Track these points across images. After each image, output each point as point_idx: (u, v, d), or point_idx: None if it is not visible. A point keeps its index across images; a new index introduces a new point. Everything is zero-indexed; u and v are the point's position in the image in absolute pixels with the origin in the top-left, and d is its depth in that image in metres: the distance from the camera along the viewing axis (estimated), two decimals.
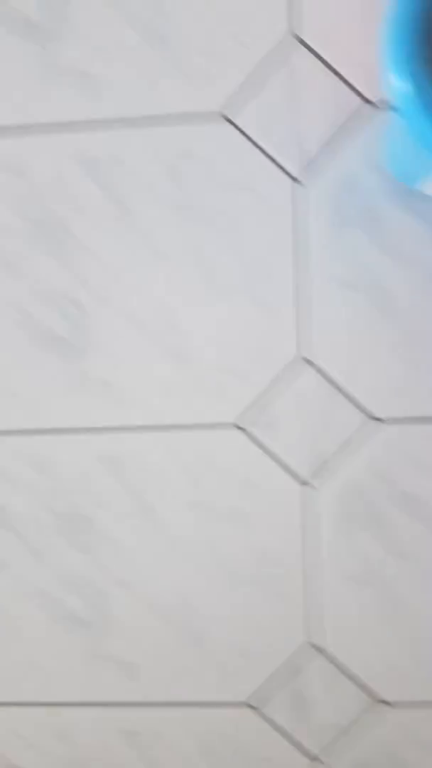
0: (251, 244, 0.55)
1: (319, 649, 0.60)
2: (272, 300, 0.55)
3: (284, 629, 0.60)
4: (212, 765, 0.63)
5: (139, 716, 0.62)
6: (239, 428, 0.57)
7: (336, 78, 0.53)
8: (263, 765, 0.62)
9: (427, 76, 0.34)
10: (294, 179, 0.54)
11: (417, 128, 0.35)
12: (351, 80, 0.53)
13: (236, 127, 0.54)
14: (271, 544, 0.59)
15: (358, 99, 0.53)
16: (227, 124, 0.54)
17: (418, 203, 0.53)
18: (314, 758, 0.62)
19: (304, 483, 0.57)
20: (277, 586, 0.59)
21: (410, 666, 0.59)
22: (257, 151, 0.54)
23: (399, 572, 0.58)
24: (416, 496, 0.56)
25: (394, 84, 0.35)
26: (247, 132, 0.54)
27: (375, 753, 0.61)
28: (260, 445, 0.57)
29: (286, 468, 0.57)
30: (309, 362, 0.56)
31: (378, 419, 0.56)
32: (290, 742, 0.61)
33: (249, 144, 0.54)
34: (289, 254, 0.55)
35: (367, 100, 0.53)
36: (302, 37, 0.53)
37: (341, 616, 0.59)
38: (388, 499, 0.57)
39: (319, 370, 0.56)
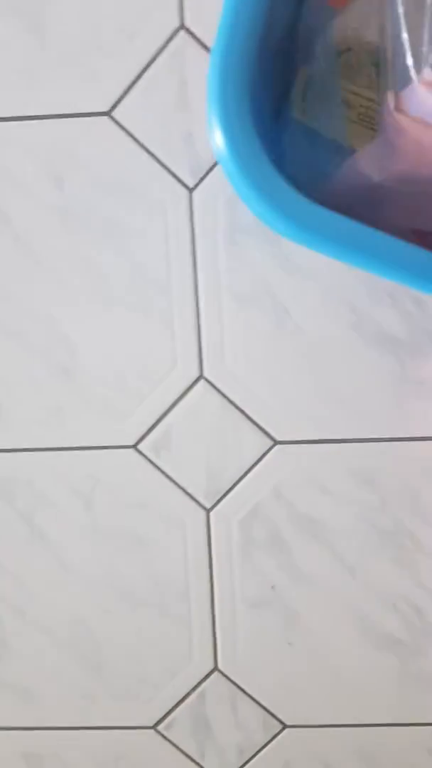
0: (143, 254, 0.51)
1: (222, 673, 0.58)
2: (168, 314, 0.51)
3: (185, 653, 0.58)
4: None
5: (39, 740, 0.60)
6: (136, 450, 0.54)
7: None
8: None
9: (245, 135, 0.29)
10: (186, 185, 0.50)
11: (233, 183, 0.30)
12: None
13: (123, 128, 0.49)
14: (171, 569, 0.56)
15: None
16: (113, 124, 0.49)
17: None
18: None
19: (202, 506, 0.55)
20: (177, 611, 0.57)
21: (308, 688, 0.58)
22: (146, 153, 0.49)
23: (299, 595, 0.56)
24: (315, 518, 0.54)
25: (212, 140, 0.30)
26: (135, 134, 0.49)
27: None
28: (158, 468, 0.54)
29: (185, 491, 0.54)
30: (208, 381, 0.52)
31: (278, 441, 0.53)
32: (195, 764, 0.60)
33: (137, 146, 0.49)
34: (187, 266, 0.50)
35: None
36: (194, 32, 0.48)
37: (243, 640, 0.57)
38: (289, 522, 0.54)
39: (219, 390, 0.52)
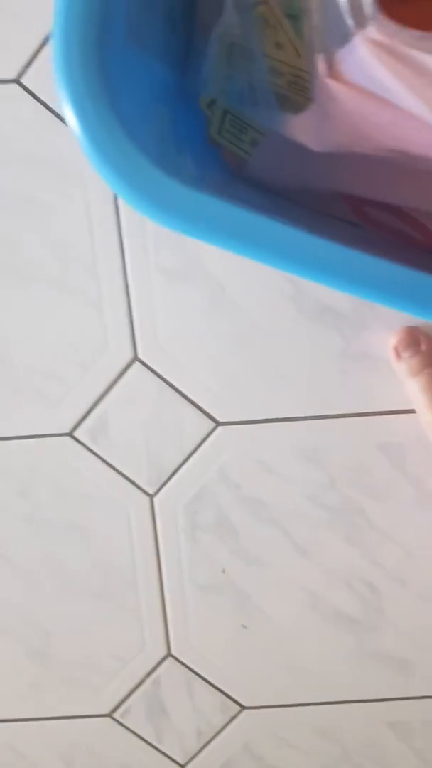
0: (66, 226, 0.47)
1: (175, 658, 0.57)
2: (96, 294, 0.48)
3: (137, 641, 0.56)
4: None
5: None
6: (71, 438, 0.52)
7: None
8: None
9: (98, 113, 0.26)
10: None
11: (90, 159, 0.27)
12: None
13: (33, 95, 0.45)
14: (116, 557, 0.54)
15: None
16: (23, 91, 0.45)
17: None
18: (179, 764, 0.60)
19: (146, 493, 0.52)
20: (126, 599, 0.55)
21: (265, 669, 0.56)
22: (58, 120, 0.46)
23: (250, 577, 0.54)
24: (263, 499, 0.52)
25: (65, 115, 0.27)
26: (50, 103, 0.46)
27: (236, 753, 0.59)
28: (96, 455, 0.52)
29: (126, 478, 0.52)
30: (143, 363, 0.50)
31: (219, 423, 0.51)
32: (156, 750, 0.59)
33: (53, 117, 0.46)
34: (113, 241, 0.47)
35: None
36: None
37: (195, 625, 0.56)
38: (236, 505, 0.52)
39: (155, 372, 0.50)
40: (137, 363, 0.50)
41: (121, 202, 0.47)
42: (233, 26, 0.35)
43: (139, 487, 0.52)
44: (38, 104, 0.45)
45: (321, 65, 0.34)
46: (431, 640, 0.55)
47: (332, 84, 0.34)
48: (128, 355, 0.49)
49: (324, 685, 0.57)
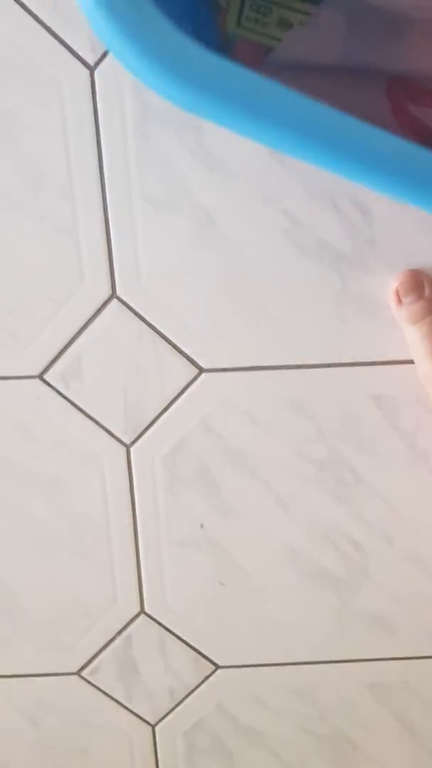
0: (39, 143, 0.42)
1: (148, 616, 0.54)
2: (72, 225, 0.44)
3: (109, 597, 0.53)
4: (44, 735, 0.58)
5: None
6: (41, 380, 0.47)
7: None
8: (100, 733, 0.58)
9: None
10: (88, 66, 0.41)
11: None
12: None
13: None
14: (89, 510, 0.51)
15: None
16: None
17: None
18: (149, 723, 0.57)
19: (122, 442, 0.49)
20: (98, 554, 0.52)
21: (242, 628, 0.54)
22: (47, 32, 0.40)
23: (230, 533, 0.51)
24: (246, 451, 0.49)
25: None
26: (35, 11, 0.40)
27: (209, 713, 0.57)
28: (68, 401, 0.48)
29: (101, 426, 0.48)
30: (121, 301, 0.45)
31: (204, 369, 0.47)
32: (125, 709, 0.57)
33: (30, 18, 0.40)
34: (92, 160, 0.42)
35: None
36: None
37: (171, 581, 0.53)
38: (217, 457, 0.49)
39: (134, 312, 0.46)
40: (115, 300, 0.45)
41: (102, 117, 0.41)
42: None
43: (114, 437, 0.49)
44: (28, 16, 0.40)
45: None
46: (415, 600, 0.53)
47: None
48: (106, 291, 0.45)
49: (302, 644, 0.55)
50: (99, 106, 0.41)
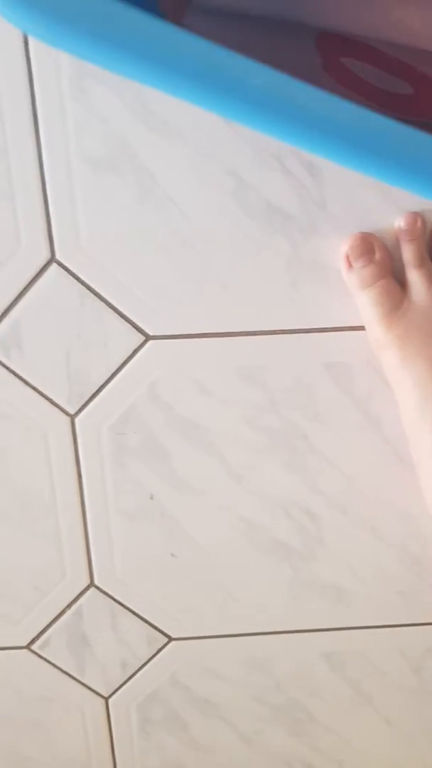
0: None
1: (99, 589, 0.53)
2: (8, 183, 0.41)
3: (57, 570, 0.52)
4: None
5: None
6: None
7: None
8: (53, 706, 0.57)
9: None
10: None
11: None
12: None
13: None
14: (33, 482, 0.49)
15: None
16: None
17: None
18: (102, 696, 0.57)
19: (65, 412, 0.47)
20: (44, 527, 0.50)
21: (195, 600, 0.53)
22: None
23: (181, 504, 0.50)
24: (196, 421, 0.47)
25: None
26: None
27: (162, 685, 0.56)
28: (8, 369, 0.46)
29: (43, 396, 0.47)
30: (61, 265, 0.43)
31: (150, 336, 0.45)
32: (77, 682, 0.56)
33: None
34: (26, 119, 0.40)
35: None
36: None
37: (121, 554, 0.52)
38: (166, 426, 0.48)
39: (75, 276, 0.44)
40: (54, 265, 0.43)
41: (36, 71, 0.39)
42: None
43: (58, 406, 0.47)
44: None
45: None
46: (370, 570, 0.52)
47: None
48: (44, 254, 0.43)
49: (257, 616, 0.54)
50: (32, 61, 0.39)
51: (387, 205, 0.42)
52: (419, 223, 0.42)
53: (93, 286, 0.44)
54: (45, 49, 0.39)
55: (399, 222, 0.42)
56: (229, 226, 0.43)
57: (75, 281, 0.44)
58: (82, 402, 0.47)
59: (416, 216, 0.42)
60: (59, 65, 0.39)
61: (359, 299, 0.43)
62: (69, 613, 0.53)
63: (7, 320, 0.44)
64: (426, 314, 0.43)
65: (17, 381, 0.46)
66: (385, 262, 0.43)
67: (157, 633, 0.54)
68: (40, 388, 0.46)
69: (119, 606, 0.53)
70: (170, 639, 0.55)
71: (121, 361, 0.46)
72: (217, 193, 0.42)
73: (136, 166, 0.41)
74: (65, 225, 0.42)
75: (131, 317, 0.45)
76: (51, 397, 0.47)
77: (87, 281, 0.44)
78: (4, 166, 0.41)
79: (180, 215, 0.42)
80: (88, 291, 0.44)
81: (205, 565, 0.52)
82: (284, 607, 0.54)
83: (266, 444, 0.48)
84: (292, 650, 0.55)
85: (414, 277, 0.42)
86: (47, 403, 0.47)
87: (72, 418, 0.47)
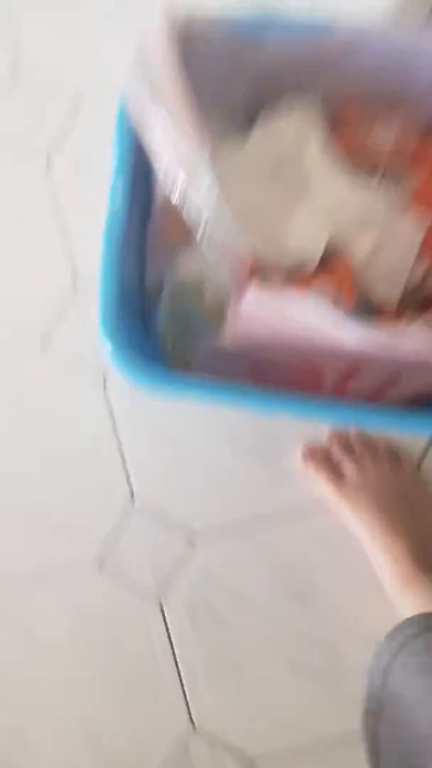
0: None
1: (135, 505, 0.66)
2: None
3: (104, 492, 0.67)
4: (79, 628, 0.65)
5: None
6: None
7: None
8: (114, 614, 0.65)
9: (125, 338, 0.49)
10: None
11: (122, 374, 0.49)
12: None
13: None
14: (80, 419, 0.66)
15: None
16: None
17: None
18: (154, 600, 0.65)
19: None
20: (91, 457, 0.67)
21: (218, 507, 0.65)
22: None
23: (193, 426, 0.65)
24: None
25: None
26: None
27: (196, 581, 0.65)
28: None
29: None
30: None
31: None
32: (130, 590, 0.65)
33: None
34: None
35: None
36: None
37: (151, 476, 0.66)
38: None
39: None
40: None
41: None
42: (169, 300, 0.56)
43: None
44: None
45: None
46: None
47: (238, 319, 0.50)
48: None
49: None
50: None
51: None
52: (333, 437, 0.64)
53: None
54: None
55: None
56: None
57: None
58: None
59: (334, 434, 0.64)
60: None
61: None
62: (114, 531, 0.64)
63: None
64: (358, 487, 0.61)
65: None
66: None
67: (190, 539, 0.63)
68: None
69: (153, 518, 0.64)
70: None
71: None
72: None
73: None
74: None
75: None
76: None
77: None
78: None
79: None
80: None
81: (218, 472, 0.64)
82: None
83: None
84: None
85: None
86: None
87: None
